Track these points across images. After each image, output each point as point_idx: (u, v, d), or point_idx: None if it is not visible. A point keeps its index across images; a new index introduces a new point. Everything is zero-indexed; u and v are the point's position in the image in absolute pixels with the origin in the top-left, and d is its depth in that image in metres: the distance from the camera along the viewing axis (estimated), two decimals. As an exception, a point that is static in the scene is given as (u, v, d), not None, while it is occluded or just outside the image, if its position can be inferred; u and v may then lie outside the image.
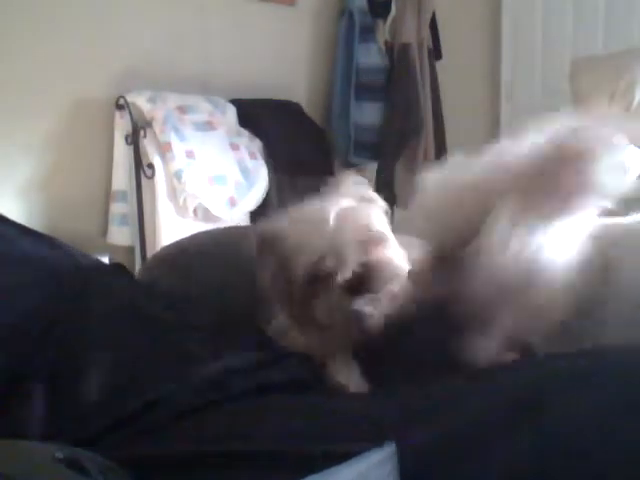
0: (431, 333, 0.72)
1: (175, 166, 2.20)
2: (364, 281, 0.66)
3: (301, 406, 0.68)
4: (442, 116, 3.13)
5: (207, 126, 2.36)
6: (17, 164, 2.21)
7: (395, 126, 2.93)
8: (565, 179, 0.55)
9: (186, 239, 1.13)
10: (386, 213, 0.76)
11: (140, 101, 2.28)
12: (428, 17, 3.01)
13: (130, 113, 2.26)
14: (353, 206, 0.71)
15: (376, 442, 0.50)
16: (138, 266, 2.24)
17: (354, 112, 2.94)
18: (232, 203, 2.32)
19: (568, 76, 2.50)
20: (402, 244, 0.75)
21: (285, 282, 0.70)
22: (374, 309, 0.68)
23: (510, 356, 0.65)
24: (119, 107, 2.31)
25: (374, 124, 2.99)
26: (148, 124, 2.24)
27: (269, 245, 0.72)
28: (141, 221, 2.29)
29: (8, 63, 2.15)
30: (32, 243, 0.98)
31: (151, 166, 2.22)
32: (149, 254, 2.22)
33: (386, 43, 3.04)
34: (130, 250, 2.36)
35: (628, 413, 0.48)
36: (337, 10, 3.04)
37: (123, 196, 2.33)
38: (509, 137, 0.64)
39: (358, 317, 0.69)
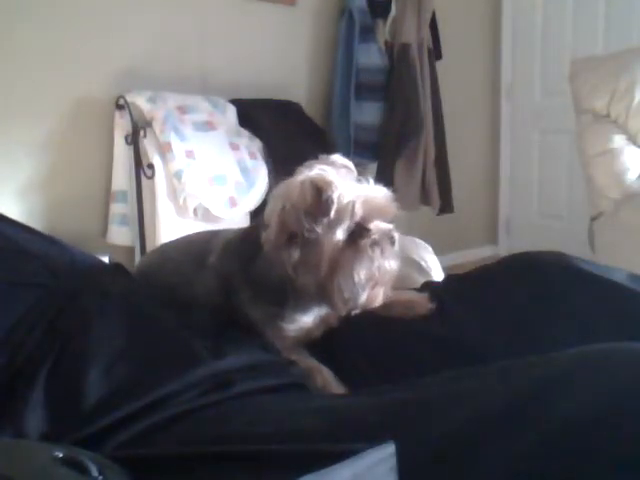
0: None
1: (175, 166, 2.20)
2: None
3: (300, 407, 0.68)
4: (442, 116, 3.13)
5: (207, 126, 2.36)
6: (17, 164, 2.21)
7: (395, 126, 2.92)
8: None
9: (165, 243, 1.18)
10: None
11: (140, 101, 2.27)
12: (428, 17, 3.01)
13: (130, 113, 2.26)
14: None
15: (375, 441, 0.50)
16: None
17: (354, 112, 2.94)
18: (232, 203, 2.32)
19: (568, 76, 2.50)
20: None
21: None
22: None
23: None
24: (119, 107, 2.31)
25: (374, 124, 2.98)
26: (148, 124, 2.24)
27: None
28: (141, 221, 2.29)
29: (9, 63, 2.16)
30: (32, 240, 0.98)
31: (151, 166, 2.21)
32: (149, 254, 2.22)
33: (386, 43, 3.04)
34: (130, 250, 2.36)
35: (628, 414, 0.48)
36: (337, 10, 3.04)
37: (123, 196, 2.33)
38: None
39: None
